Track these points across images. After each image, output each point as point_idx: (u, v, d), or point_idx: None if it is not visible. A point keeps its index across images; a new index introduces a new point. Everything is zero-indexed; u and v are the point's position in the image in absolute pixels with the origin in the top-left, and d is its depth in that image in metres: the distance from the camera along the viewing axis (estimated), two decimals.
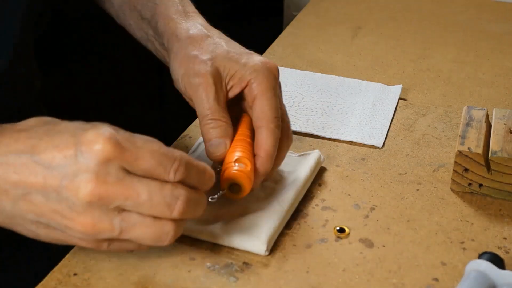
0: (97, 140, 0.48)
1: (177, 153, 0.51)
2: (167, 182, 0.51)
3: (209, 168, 0.55)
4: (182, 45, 0.66)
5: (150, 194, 0.50)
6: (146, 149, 0.50)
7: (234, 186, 0.60)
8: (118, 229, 0.50)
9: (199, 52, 0.65)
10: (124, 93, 1.79)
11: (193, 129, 0.80)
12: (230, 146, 0.62)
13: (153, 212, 0.50)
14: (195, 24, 0.68)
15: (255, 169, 0.61)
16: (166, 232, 0.51)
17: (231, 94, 0.65)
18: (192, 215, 0.53)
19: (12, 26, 0.69)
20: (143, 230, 0.51)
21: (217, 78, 0.63)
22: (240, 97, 0.65)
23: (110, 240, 0.52)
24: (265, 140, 0.62)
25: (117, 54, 1.78)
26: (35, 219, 0.51)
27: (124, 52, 1.78)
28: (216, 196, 0.59)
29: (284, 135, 0.64)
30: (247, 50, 0.67)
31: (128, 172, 0.50)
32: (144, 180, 0.50)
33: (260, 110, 0.62)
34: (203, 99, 0.63)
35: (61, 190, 0.49)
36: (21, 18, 0.70)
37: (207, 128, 0.62)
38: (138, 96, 1.85)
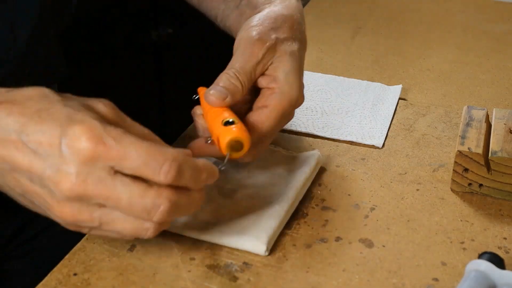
0: (81, 137, 0.47)
1: (170, 153, 0.50)
2: (152, 186, 0.50)
3: (209, 166, 0.54)
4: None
5: (130, 200, 0.49)
6: (134, 148, 0.48)
7: (234, 146, 0.59)
8: (97, 221, 0.50)
9: (277, 27, 0.65)
10: (124, 93, 1.78)
11: (193, 129, 0.80)
12: (227, 105, 0.62)
13: (132, 215, 0.50)
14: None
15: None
16: (146, 228, 0.51)
17: (259, 79, 0.65)
18: (178, 216, 0.53)
19: (32, 7, 0.68)
20: (123, 226, 0.51)
21: (268, 55, 0.63)
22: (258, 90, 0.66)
23: (91, 227, 0.52)
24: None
25: (117, 55, 1.78)
26: (21, 193, 0.51)
27: (124, 53, 1.78)
28: (224, 163, 0.59)
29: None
30: (302, 73, 0.66)
31: (114, 171, 0.49)
32: (128, 183, 0.49)
33: (261, 119, 0.63)
34: (244, 56, 0.63)
35: (44, 178, 0.48)
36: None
37: (225, 77, 0.62)
38: (138, 96, 1.85)
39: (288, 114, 0.65)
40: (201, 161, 0.53)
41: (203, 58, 1.87)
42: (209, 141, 0.61)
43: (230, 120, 0.60)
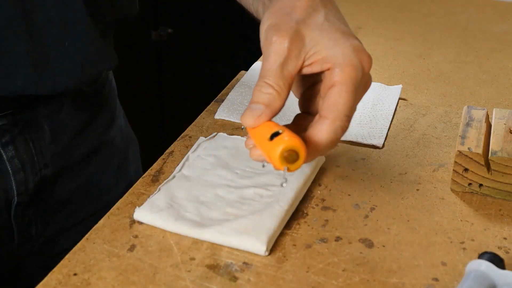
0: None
1: None
2: None
3: None
4: None
5: None
6: None
7: (288, 157, 0.53)
8: None
9: (293, 10, 0.58)
10: (124, 93, 1.78)
11: (193, 129, 0.80)
12: (266, 120, 0.56)
13: None
14: None
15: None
16: None
17: (308, 70, 0.58)
18: None
19: None
20: None
21: (296, 45, 0.57)
22: (319, 79, 0.60)
23: None
24: (321, 134, 0.55)
25: (117, 54, 1.78)
26: None
27: (124, 52, 1.78)
28: (284, 179, 0.57)
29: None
30: (347, 29, 0.60)
31: None
32: None
33: (332, 101, 0.56)
34: (269, 60, 0.56)
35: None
36: None
37: (256, 90, 0.57)
38: (138, 96, 1.85)
39: (360, 81, 0.57)
40: None
41: (203, 58, 1.88)
42: (264, 166, 0.58)
43: (275, 131, 0.54)
